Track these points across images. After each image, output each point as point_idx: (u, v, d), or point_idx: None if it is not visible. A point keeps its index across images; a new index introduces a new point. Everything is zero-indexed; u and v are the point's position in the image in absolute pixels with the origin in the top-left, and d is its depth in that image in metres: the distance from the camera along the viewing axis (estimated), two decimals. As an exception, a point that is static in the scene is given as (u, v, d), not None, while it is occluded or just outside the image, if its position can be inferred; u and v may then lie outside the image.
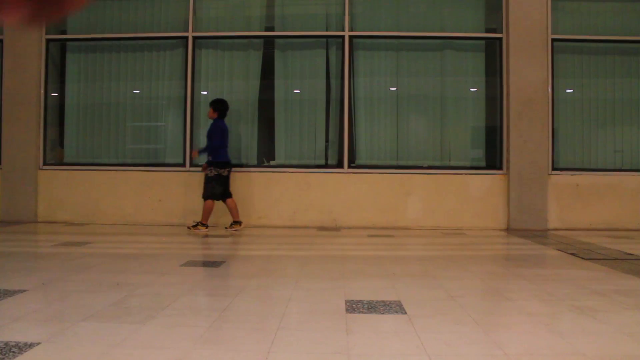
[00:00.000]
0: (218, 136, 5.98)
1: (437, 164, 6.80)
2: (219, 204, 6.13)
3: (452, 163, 6.82)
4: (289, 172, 6.69)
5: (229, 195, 6.10)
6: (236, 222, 6.11)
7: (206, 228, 6.01)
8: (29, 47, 6.82)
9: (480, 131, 7.00)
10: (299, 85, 7.07)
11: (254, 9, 7.11)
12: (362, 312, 2.62)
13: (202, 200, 6.04)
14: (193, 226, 6.03)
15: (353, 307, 2.72)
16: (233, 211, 6.08)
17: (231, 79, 7.07)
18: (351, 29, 6.84)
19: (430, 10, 7.05)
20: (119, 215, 6.71)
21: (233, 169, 6.29)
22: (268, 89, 7.01)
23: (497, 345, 2.14)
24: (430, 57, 6.98)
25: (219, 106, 6.14)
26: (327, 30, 6.99)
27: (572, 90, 6.88)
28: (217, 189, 5.98)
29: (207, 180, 6.00)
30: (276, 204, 6.61)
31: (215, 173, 5.98)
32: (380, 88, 6.98)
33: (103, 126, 7.11)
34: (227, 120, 7.10)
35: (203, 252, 4.68)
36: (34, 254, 4.64)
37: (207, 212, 6.00)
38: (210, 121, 6.16)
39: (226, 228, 6.18)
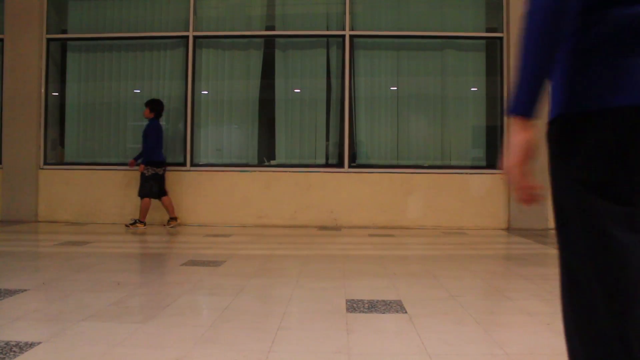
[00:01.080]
0: (154, 136, 6.12)
1: (438, 163, 6.80)
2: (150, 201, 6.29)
3: (453, 162, 6.81)
4: (290, 171, 6.69)
5: (165, 193, 6.31)
6: (173, 219, 6.32)
7: (144, 225, 6.19)
8: (29, 46, 6.82)
9: (480, 130, 6.99)
10: (300, 84, 7.07)
11: (254, 9, 7.11)
12: (363, 312, 2.62)
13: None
14: (131, 224, 6.17)
15: (354, 306, 2.72)
16: (169, 208, 6.30)
17: (232, 79, 7.07)
18: (352, 29, 6.83)
19: (430, 10, 7.04)
20: (120, 215, 6.70)
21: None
22: (269, 88, 7.01)
23: (498, 344, 2.14)
24: (431, 57, 6.98)
25: (156, 106, 6.27)
26: (327, 30, 6.98)
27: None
28: (155, 187, 6.15)
29: (145, 180, 6.12)
30: (277, 204, 6.61)
31: (152, 172, 6.13)
32: (380, 87, 6.98)
33: (103, 126, 7.12)
34: (230, 119, 7.14)
35: (203, 252, 4.68)
36: (35, 254, 4.64)
37: (145, 210, 6.19)
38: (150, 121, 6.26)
39: (164, 225, 6.37)
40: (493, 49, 6.85)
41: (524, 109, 0.99)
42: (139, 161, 6.19)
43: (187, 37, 6.87)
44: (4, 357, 1.90)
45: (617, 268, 0.94)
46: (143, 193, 6.13)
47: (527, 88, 0.99)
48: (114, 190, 6.74)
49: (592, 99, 0.96)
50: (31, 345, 2.05)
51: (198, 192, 6.67)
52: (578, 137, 0.98)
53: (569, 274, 1.02)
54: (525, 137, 0.99)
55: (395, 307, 2.71)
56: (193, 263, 3.96)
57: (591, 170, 0.96)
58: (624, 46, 0.95)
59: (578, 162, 0.97)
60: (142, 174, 6.12)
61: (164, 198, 6.26)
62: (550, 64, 0.99)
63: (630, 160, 0.95)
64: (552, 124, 1.03)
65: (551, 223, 6.40)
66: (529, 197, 0.99)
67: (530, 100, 0.98)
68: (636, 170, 0.95)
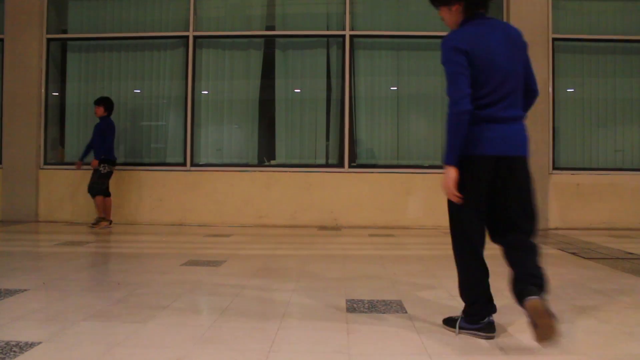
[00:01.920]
0: (112, 135, 6.13)
1: (438, 163, 6.78)
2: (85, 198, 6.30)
3: (453, 162, 6.80)
4: (290, 171, 6.69)
5: (109, 193, 6.26)
6: (103, 219, 6.18)
7: (110, 223, 6.18)
8: (29, 46, 6.82)
9: (480, 130, 6.98)
10: (300, 84, 7.07)
11: (254, 9, 7.11)
12: (363, 312, 2.62)
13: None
14: (94, 224, 6.09)
15: (354, 306, 2.72)
16: (101, 208, 6.18)
17: (232, 79, 7.07)
18: (352, 29, 6.83)
19: (430, 10, 6.89)
20: (119, 215, 6.70)
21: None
22: (269, 88, 7.01)
23: (498, 344, 2.14)
24: (431, 57, 6.97)
25: (109, 105, 6.25)
26: (327, 30, 6.98)
27: (572, 90, 6.87)
28: (106, 184, 6.14)
29: (101, 177, 6.08)
30: (277, 204, 6.61)
31: (108, 170, 6.11)
32: (381, 87, 6.98)
33: (104, 126, 7.12)
34: (230, 119, 7.12)
35: (203, 252, 4.68)
36: (35, 254, 4.64)
37: (109, 208, 6.17)
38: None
39: (93, 225, 6.20)
40: (493, 49, 6.84)
41: (453, 162, 2.11)
42: (101, 157, 6.08)
43: (187, 37, 6.87)
44: (4, 357, 1.90)
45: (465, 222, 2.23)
46: (97, 191, 6.07)
47: (453, 153, 2.11)
48: (113, 190, 6.73)
49: (472, 149, 2.12)
50: (31, 345, 2.05)
51: (198, 192, 6.67)
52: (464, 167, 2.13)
53: (455, 221, 2.28)
54: (454, 173, 2.11)
55: (395, 307, 2.71)
56: (193, 263, 3.96)
57: (470, 185, 2.14)
58: (482, 126, 2.11)
59: (465, 180, 2.13)
60: (97, 171, 6.06)
61: (99, 197, 6.15)
62: (463, 139, 2.09)
63: (488, 183, 2.15)
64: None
65: (551, 223, 6.44)
66: (456, 199, 2.13)
67: (455, 157, 2.11)
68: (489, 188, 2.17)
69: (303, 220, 6.58)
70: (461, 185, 2.10)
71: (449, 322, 2.34)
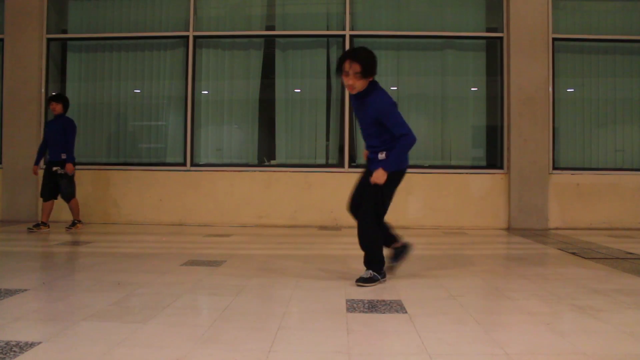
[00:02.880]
0: (74, 134, 5.99)
1: (438, 163, 6.80)
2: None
3: (453, 162, 6.81)
4: (290, 171, 6.69)
5: (56, 196, 6.04)
6: (44, 224, 5.94)
7: (48, 227, 5.97)
8: (29, 46, 6.82)
9: (481, 130, 6.99)
10: (300, 84, 7.07)
11: (254, 9, 7.11)
12: (363, 312, 2.62)
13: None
14: (70, 226, 5.97)
15: (354, 306, 2.72)
16: (49, 212, 6.01)
17: (232, 79, 7.07)
18: (352, 28, 6.83)
19: (431, 10, 7.04)
20: (119, 215, 6.71)
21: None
22: (269, 88, 7.01)
23: (498, 344, 2.14)
24: (431, 57, 6.98)
25: (67, 103, 6.08)
26: (327, 30, 6.98)
27: (572, 90, 6.88)
28: (74, 186, 6.01)
29: (71, 180, 5.95)
30: (277, 204, 6.61)
31: (74, 171, 5.99)
32: (381, 87, 6.97)
33: (104, 125, 7.12)
34: (230, 119, 7.11)
35: (203, 252, 4.68)
36: (35, 254, 4.64)
37: (78, 209, 6.04)
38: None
39: (59, 228, 6.08)
40: (493, 49, 6.85)
41: (391, 169, 3.27)
42: (62, 158, 5.88)
43: (187, 37, 6.87)
44: (4, 357, 1.90)
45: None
46: (72, 195, 5.97)
47: (396, 165, 3.32)
48: (113, 190, 6.75)
49: (404, 165, 3.42)
50: (31, 345, 2.05)
51: (198, 192, 6.67)
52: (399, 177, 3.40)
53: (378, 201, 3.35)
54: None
55: (395, 307, 2.71)
56: (193, 263, 3.96)
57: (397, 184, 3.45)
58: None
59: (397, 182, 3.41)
60: (65, 174, 5.89)
61: (52, 201, 6.02)
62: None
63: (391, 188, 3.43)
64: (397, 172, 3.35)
65: (551, 223, 6.44)
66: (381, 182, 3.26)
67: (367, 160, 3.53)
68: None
69: (303, 220, 6.58)
70: (394, 185, 3.36)
71: (366, 280, 3.18)
